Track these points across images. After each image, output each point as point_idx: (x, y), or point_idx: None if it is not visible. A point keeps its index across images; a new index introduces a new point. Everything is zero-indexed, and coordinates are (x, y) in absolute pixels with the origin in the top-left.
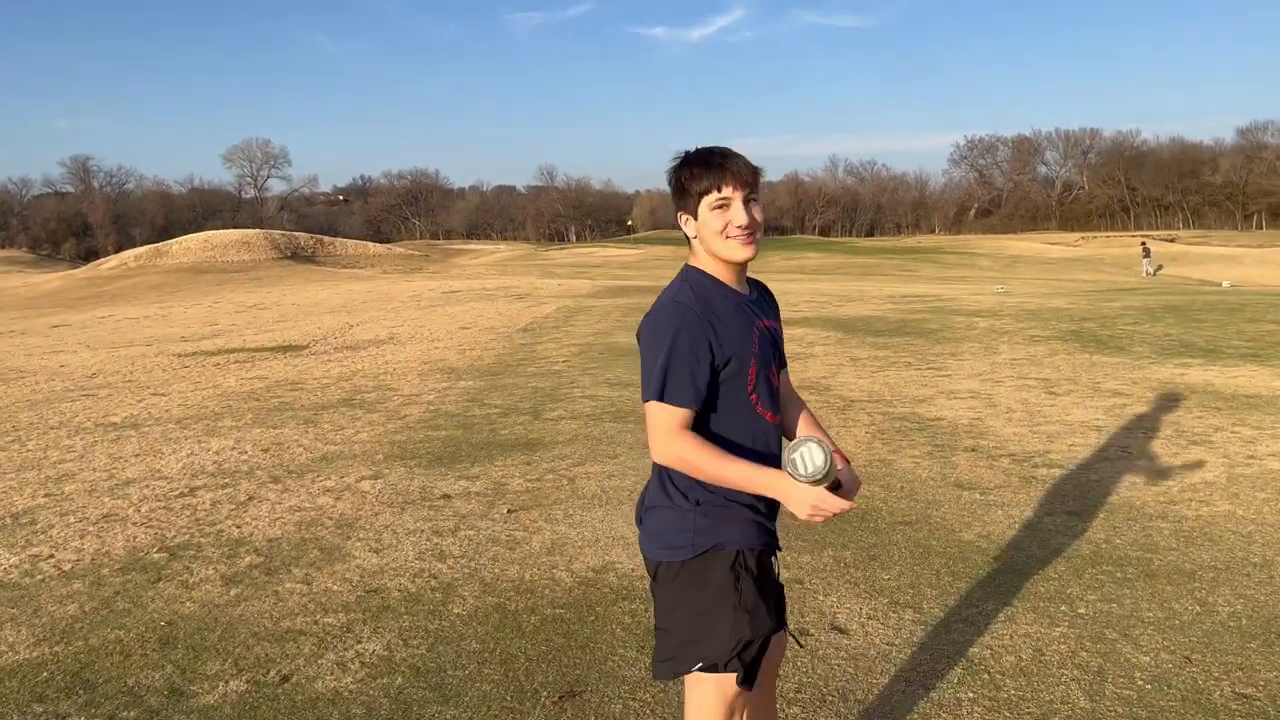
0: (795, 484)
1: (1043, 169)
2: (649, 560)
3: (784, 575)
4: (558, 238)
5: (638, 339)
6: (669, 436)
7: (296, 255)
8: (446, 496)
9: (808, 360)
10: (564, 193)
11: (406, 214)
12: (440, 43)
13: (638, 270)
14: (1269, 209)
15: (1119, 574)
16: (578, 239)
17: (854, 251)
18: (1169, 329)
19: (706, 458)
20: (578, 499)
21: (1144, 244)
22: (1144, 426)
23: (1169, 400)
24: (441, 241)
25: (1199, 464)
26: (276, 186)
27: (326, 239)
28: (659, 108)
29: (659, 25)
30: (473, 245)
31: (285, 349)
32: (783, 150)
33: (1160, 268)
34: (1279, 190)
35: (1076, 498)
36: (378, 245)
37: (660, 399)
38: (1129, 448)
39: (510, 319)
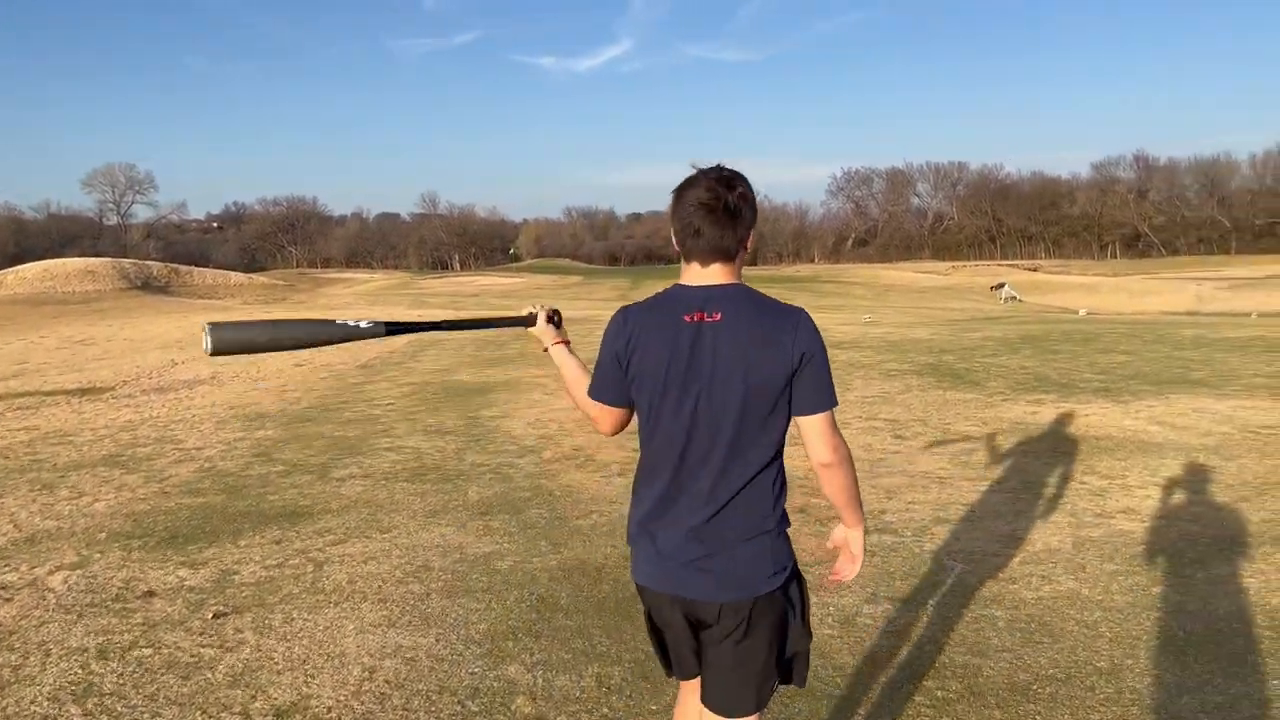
0: None
1: (915, 200)
2: (748, 598)
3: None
4: (441, 266)
5: (807, 352)
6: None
7: (148, 285)
8: (150, 594)
9: None
10: (447, 220)
11: (282, 242)
12: (324, 68)
13: (515, 299)
14: (1122, 239)
15: (940, 692)
16: (461, 267)
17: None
18: (1025, 361)
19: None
20: (313, 594)
21: (1002, 283)
22: (990, 477)
23: (1019, 445)
24: (315, 270)
25: (1045, 523)
26: (142, 213)
27: (183, 268)
28: (547, 137)
29: (547, 55)
30: (347, 274)
31: (85, 392)
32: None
33: (1015, 299)
34: (1130, 222)
35: (904, 576)
36: (240, 275)
37: (835, 404)
38: (972, 504)
39: (355, 354)
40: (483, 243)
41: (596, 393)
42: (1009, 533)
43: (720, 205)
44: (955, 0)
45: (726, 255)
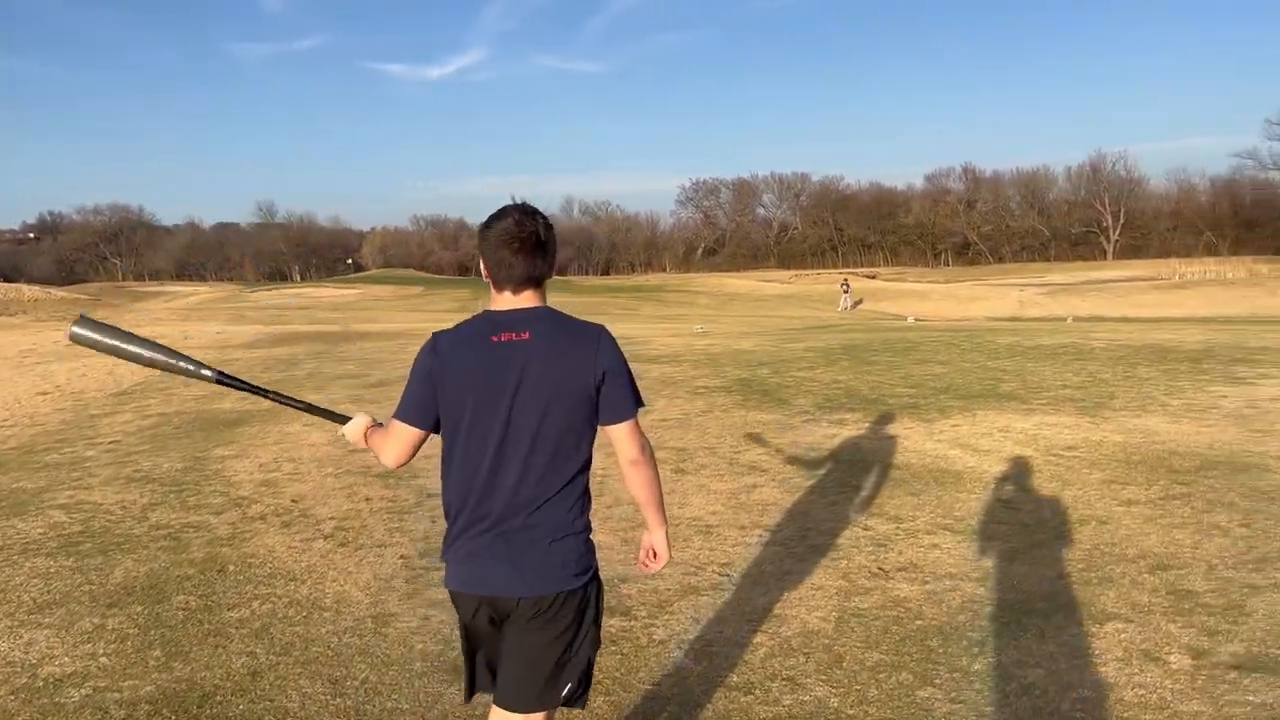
0: None
1: (761, 211)
2: (550, 593)
3: None
4: (280, 277)
5: (609, 368)
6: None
7: None
8: None
9: None
10: (286, 230)
11: (105, 253)
12: (155, 71)
13: (345, 313)
14: (953, 248)
15: None
16: (302, 278)
17: (580, 291)
18: (839, 374)
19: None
20: None
21: (844, 281)
22: (765, 524)
23: (808, 477)
24: (136, 284)
25: (810, 590)
26: None
27: None
28: (397, 145)
29: (396, 62)
30: (171, 288)
31: None
32: (521, 190)
33: (860, 302)
34: (961, 231)
35: (616, 680)
36: (35, 289)
37: (639, 408)
38: (732, 564)
39: (118, 378)
40: (324, 253)
41: (403, 414)
42: (764, 608)
43: (531, 238)
44: (795, 20)
45: (536, 283)
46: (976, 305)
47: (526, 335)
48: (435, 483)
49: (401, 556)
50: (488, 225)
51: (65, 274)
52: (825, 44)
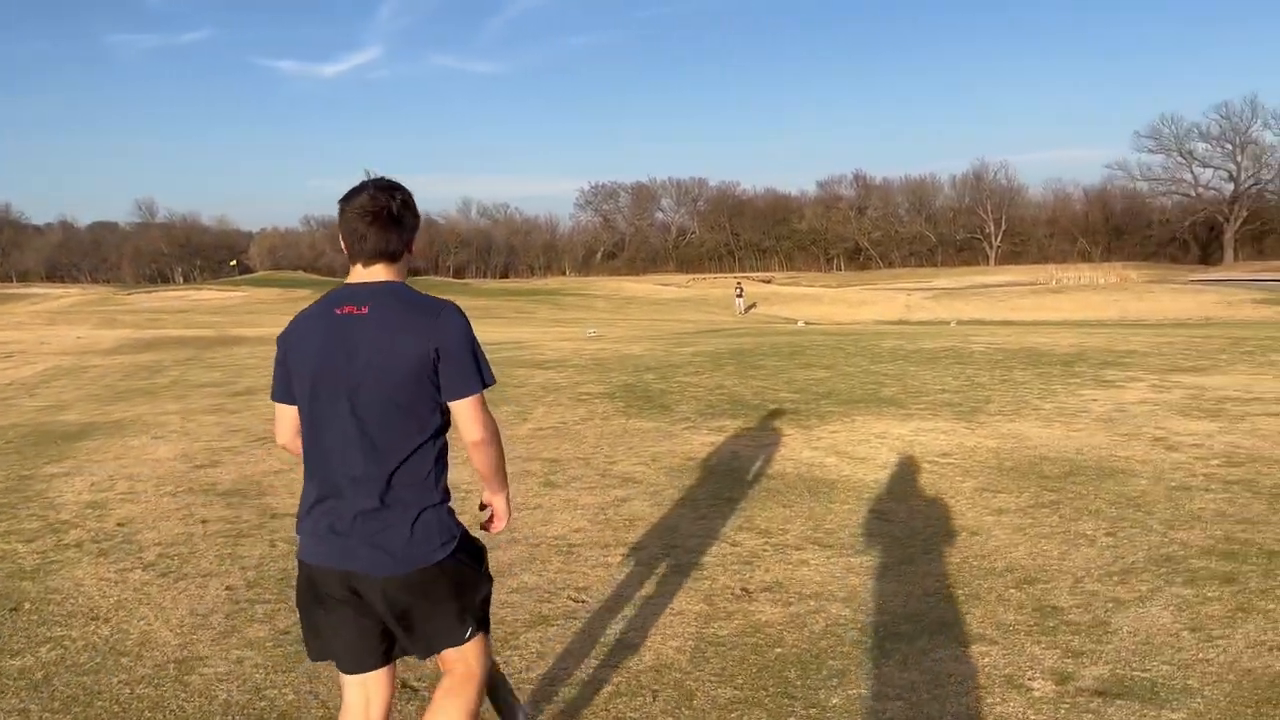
0: None
1: (660, 215)
2: (416, 568)
3: None
4: (161, 279)
5: (444, 343)
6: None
7: None
8: None
9: None
10: (168, 230)
11: None
12: (23, 62)
13: (224, 316)
14: (845, 253)
15: None
16: (185, 280)
17: (476, 294)
18: (725, 379)
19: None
20: None
21: (739, 285)
22: (629, 540)
23: (681, 489)
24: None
25: (669, 616)
26: None
27: None
28: (289, 144)
29: (288, 59)
30: (38, 289)
31: None
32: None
33: (753, 306)
34: (852, 236)
35: None
36: None
37: (485, 386)
38: (590, 588)
39: None
40: (209, 254)
41: (274, 393)
42: (617, 638)
43: (383, 211)
44: (692, 26)
45: (390, 257)
46: (866, 309)
47: (365, 309)
48: (282, 502)
49: (227, 588)
50: (345, 199)
51: None
52: (721, 50)
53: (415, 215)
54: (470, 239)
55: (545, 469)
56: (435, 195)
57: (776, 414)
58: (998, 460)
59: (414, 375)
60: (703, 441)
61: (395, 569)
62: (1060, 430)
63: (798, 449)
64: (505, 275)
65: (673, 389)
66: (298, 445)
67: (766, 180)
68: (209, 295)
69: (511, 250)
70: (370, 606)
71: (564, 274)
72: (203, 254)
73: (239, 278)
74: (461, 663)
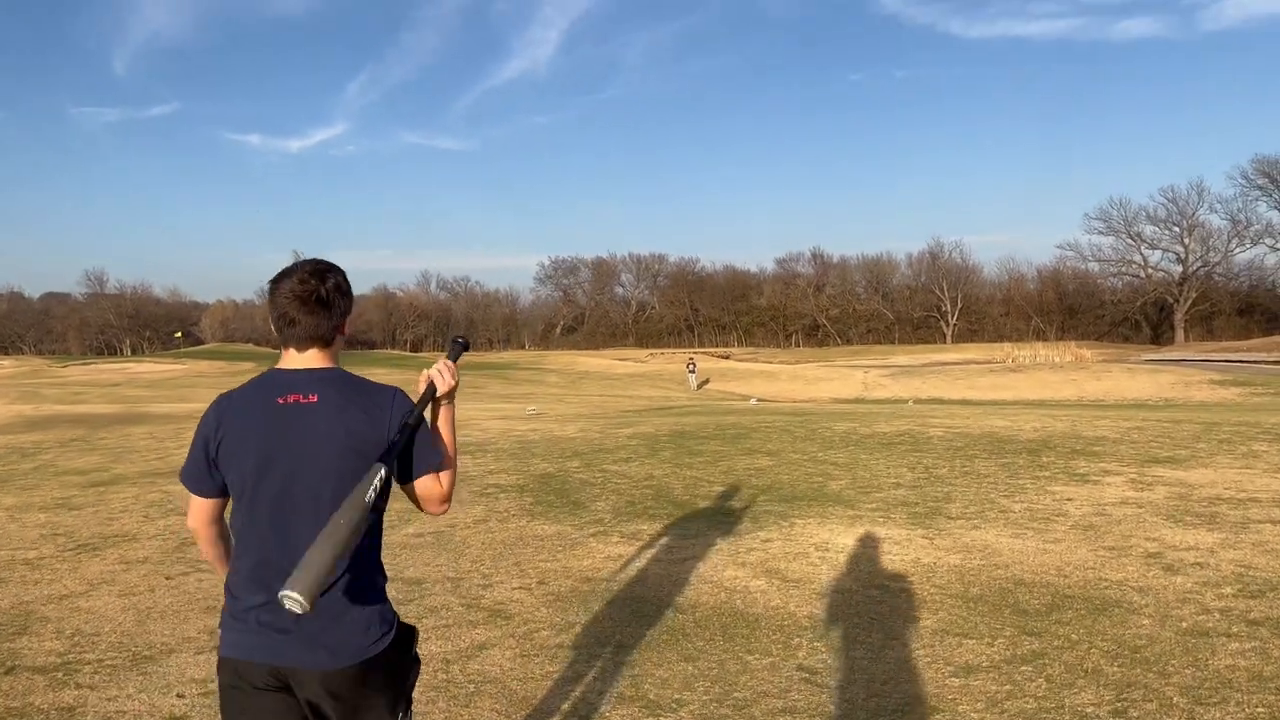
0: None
1: (620, 290)
2: (356, 662)
3: None
4: (109, 351)
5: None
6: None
7: None
8: None
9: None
10: (118, 301)
11: None
12: None
13: (155, 390)
14: (804, 329)
15: None
16: (134, 352)
17: (424, 367)
18: (656, 468)
19: None
20: None
21: (690, 360)
22: (473, 713)
23: (560, 629)
24: None
25: None
26: None
27: None
28: (249, 217)
29: (254, 133)
30: None
31: None
32: (380, 264)
33: (706, 382)
34: (810, 313)
35: None
36: None
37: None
38: None
39: None
40: (159, 325)
41: (186, 480)
42: None
43: (312, 296)
44: (650, 108)
45: (323, 342)
46: (822, 386)
47: (314, 398)
48: (40, 646)
49: None
50: (274, 281)
51: None
52: (680, 131)
53: (347, 298)
54: (429, 312)
55: (404, 592)
56: (397, 269)
57: (705, 515)
58: (962, 585)
59: (369, 463)
60: (609, 554)
61: (335, 663)
62: (1034, 541)
63: (721, 566)
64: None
65: (595, 480)
66: (209, 533)
67: (726, 257)
68: (148, 368)
69: (471, 323)
70: (295, 701)
71: (524, 347)
72: (152, 325)
73: (181, 350)
74: None
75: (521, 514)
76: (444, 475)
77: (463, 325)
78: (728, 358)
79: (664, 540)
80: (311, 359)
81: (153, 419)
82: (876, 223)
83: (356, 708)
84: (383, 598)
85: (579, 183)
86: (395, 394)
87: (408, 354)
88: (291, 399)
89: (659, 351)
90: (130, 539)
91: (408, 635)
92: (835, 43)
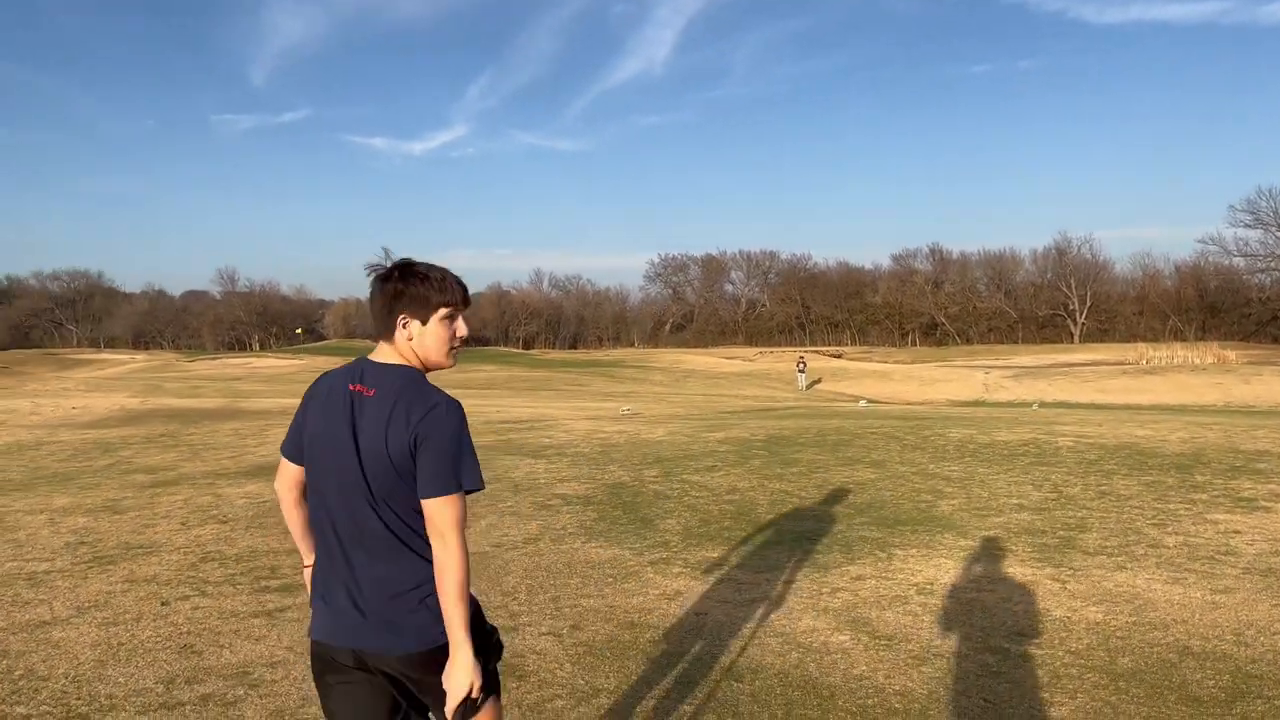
0: None
1: (729, 287)
2: (417, 650)
3: None
4: (240, 346)
5: (425, 437)
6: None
7: None
8: None
9: None
10: (248, 299)
11: (60, 318)
12: (134, 138)
13: (269, 384)
14: (921, 327)
15: None
16: (261, 347)
17: (535, 364)
18: (742, 479)
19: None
20: None
21: (801, 359)
22: None
23: (572, 698)
24: (72, 351)
25: None
26: None
27: None
28: (374, 217)
29: (379, 136)
30: (107, 355)
31: None
32: (498, 264)
33: (817, 382)
34: (928, 310)
35: None
36: None
37: (463, 489)
38: None
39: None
40: (285, 322)
41: (285, 447)
42: None
43: (384, 295)
44: (765, 105)
45: (389, 338)
46: (939, 387)
47: (373, 392)
48: None
49: None
50: (371, 278)
51: (19, 340)
52: (794, 128)
53: (415, 301)
54: (541, 310)
55: None
56: (511, 268)
57: (789, 540)
58: (1107, 653)
59: (402, 461)
60: (665, 589)
61: (405, 648)
62: (1199, 590)
63: (798, 611)
64: (574, 346)
65: (671, 492)
66: (289, 498)
67: (839, 253)
68: (269, 363)
69: (581, 321)
70: (379, 679)
71: (632, 345)
72: (279, 322)
73: (303, 346)
74: None
75: (579, 533)
76: (441, 508)
77: (573, 323)
78: (840, 356)
79: (734, 572)
80: (383, 353)
81: (246, 414)
82: (999, 218)
83: (434, 686)
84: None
85: (691, 181)
86: (439, 404)
87: (518, 350)
88: (357, 388)
89: (768, 350)
90: (151, 551)
91: (480, 623)
92: (958, 35)
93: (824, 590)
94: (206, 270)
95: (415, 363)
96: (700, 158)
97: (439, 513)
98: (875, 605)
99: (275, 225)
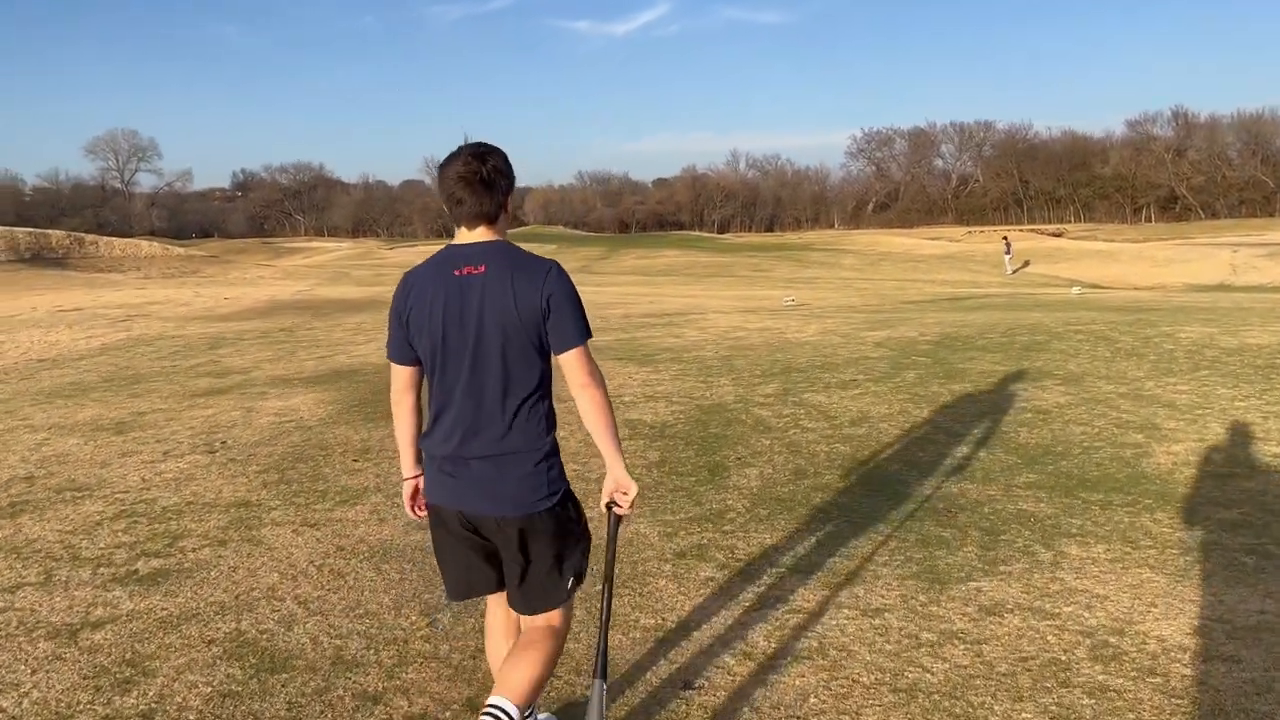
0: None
1: (939, 162)
2: (524, 514)
3: None
4: (447, 234)
5: (554, 297)
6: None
7: (40, 257)
8: None
9: None
10: None
11: (289, 209)
12: (353, 35)
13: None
14: (1157, 201)
15: None
16: None
17: (720, 249)
18: (881, 401)
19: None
20: None
21: (1005, 240)
22: None
23: None
24: (298, 239)
25: None
26: (146, 180)
27: (89, 238)
28: (578, 102)
29: (583, 19)
30: (317, 243)
31: None
32: (694, 146)
33: (1026, 264)
34: (1167, 183)
35: None
36: (152, 245)
37: (587, 337)
38: None
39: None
40: None
41: (390, 353)
42: None
43: (476, 177)
44: None
45: (488, 219)
46: (1175, 269)
47: (483, 269)
48: None
49: None
50: (442, 166)
51: (256, 229)
52: None
53: (508, 178)
54: (737, 192)
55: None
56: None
57: (899, 515)
58: None
59: (531, 327)
60: (662, 622)
61: (501, 512)
62: None
63: (869, 685)
64: (771, 229)
65: (776, 422)
66: (405, 402)
67: (1064, 120)
68: None
69: (778, 203)
70: (484, 540)
71: (832, 226)
72: None
73: None
74: (545, 617)
75: (659, 465)
76: (579, 357)
77: (770, 204)
78: (1060, 235)
79: (783, 586)
80: (479, 234)
81: (379, 306)
82: (1257, 74)
83: (527, 553)
84: (551, 463)
85: (899, 48)
86: (551, 267)
87: (707, 234)
88: (465, 271)
89: (978, 229)
90: (108, 487)
91: (578, 508)
92: None
93: (921, 643)
94: (413, 161)
95: (504, 237)
96: (909, 21)
97: (581, 360)
98: (1006, 688)
99: (478, 112)
